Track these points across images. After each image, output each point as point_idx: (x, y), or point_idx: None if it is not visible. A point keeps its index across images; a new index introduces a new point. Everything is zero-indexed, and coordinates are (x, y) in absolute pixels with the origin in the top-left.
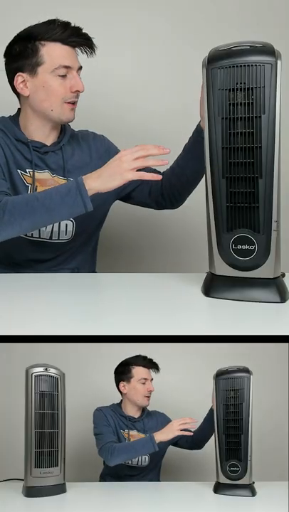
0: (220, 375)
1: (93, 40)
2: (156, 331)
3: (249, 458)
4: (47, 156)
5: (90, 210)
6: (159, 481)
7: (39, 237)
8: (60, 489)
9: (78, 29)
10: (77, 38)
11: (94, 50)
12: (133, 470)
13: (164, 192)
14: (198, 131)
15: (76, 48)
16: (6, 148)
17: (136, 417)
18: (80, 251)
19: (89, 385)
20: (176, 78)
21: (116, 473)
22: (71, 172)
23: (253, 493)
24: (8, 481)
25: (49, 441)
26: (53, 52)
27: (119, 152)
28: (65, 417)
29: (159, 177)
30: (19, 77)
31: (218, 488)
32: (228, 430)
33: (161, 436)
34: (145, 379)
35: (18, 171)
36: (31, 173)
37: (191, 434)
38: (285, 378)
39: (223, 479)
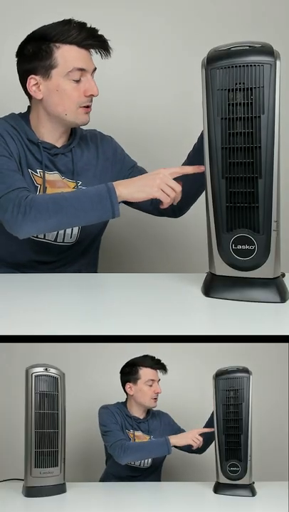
0: (220, 375)
1: (109, 42)
2: (157, 331)
3: (249, 458)
4: (57, 158)
5: (117, 217)
6: (159, 481)
7: (44, 239)
8: (60, 489)
9: (94, 31)
10: (92, 41)
11: (109, 53)
12: (135, 471)
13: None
14: (202, 139)
15: (91, 50)
16: (19, 146)
17: (141, 417)
18: (83, 254)
19: (89, 385)
20: (175, 79)
21: (117, 473)
22: (80, 175)
23: (253, 493)
24: (8, 481)
25: (49, 441)
26: (67, 55)
27: (158, 169)
28: (65, 417)
29: (178, 198)
30: (32, 80)
31: (218, 488)
32: (228, 430)
33: (176, 440)
34: (152, 380)
35: (29, 170)
36: (41, 173)
37: (201, 444)
38: (285, 378)
39: (223, 479)
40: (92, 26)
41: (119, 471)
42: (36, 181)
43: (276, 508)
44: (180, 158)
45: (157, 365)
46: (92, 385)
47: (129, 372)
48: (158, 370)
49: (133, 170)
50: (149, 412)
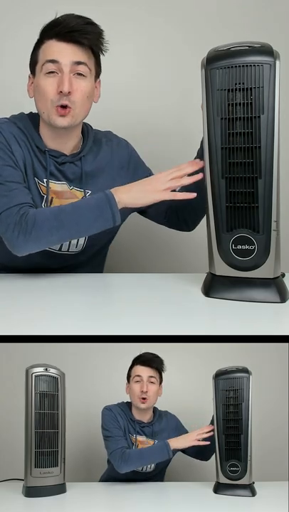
0: (219, 375)
1: (100, 33)
2: (157, 331)
3: (249, 458)
4: (65, 167)
5: (118, 224)
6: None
7: (49, 248)
8: (60, 489)
9: (78, 23)
10: (73, 32)
11: (97, 44)
12: (137, 475)
13: (179, 213)
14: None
15: (85, 46)
16: (26, 154)
17: (144, 421)
18: (88, 263)
19: (89, 385)
20: (175, 78)
21: (119, 477)
22: (89, 181)
23: (253, 493)
24: (8, 481)
25: (49, 441)
26: (45, 49)
27: (156, 174)
28: (65, 417)
29: (192, 195)
30: (29, 79)
31: (218, 488)
32: (228, 430)
33: (177, 443)
34: (139, 376)
35: (36, 179)
36: (47, 182)
37: (208, 443)
38: (285, 378)
39: (223, 479)
40: (86, 18)
41: (121, 475)
42: (42, 191)
43: (276, 508)
44: (181, 159)
45: (147, 361)
46: (92, 385)
47: (128, 372)
48: (151, 368)
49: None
50: (155, 414)
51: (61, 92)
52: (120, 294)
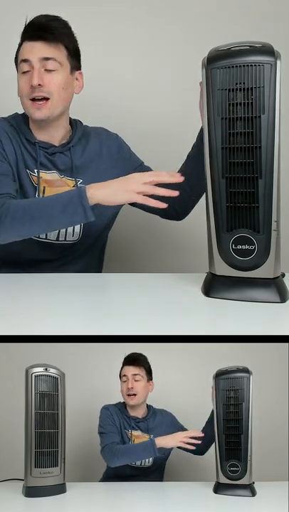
0: (220, 375)
1: (65, 27)
2: (157, 331)
3: (249, 458)
4: (55, 157)
5: (91, 220)
6: (161, 481)
7: (46, 239)
8: (60, 489)
9: (43, 21)
10: (39, 31)
11: (63, 38)
12: (136, 470)
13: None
14: (201, 138)
15: (51, 41)
16: (16, 147)
17: (139, 417)
18: (86, 253)
19: (89, 385)
20: (176, 78)
21: (118, 473)
22: (79, 172)
23: (253, 493)
24: (8, 481)
25: (49, 441)
26: (20, 50)
27: (134, 173)
28: (65, 417)
29: (164, 205)
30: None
31: (218, 488)
32: (228, 430)
33: (163, 442)
34: (125, 376)
35: (27, 171)
36: (38, 172)
37: (193, 448)
38: (285, 378)
39: (223, 479)
40: (53, 16)
41: (121, 471)
42: (34, 182)
43: (276, 508)
44: (181, 159)
45: (131, 361)
46: (92, 384)
47: (119, 373)
48: (134, 367)
49: (140, 169)
50: (150, 411)
51: (32, 86)
52: (120, 294)
